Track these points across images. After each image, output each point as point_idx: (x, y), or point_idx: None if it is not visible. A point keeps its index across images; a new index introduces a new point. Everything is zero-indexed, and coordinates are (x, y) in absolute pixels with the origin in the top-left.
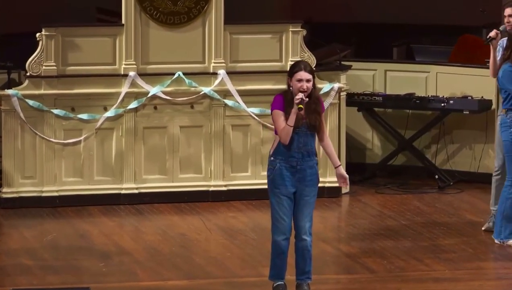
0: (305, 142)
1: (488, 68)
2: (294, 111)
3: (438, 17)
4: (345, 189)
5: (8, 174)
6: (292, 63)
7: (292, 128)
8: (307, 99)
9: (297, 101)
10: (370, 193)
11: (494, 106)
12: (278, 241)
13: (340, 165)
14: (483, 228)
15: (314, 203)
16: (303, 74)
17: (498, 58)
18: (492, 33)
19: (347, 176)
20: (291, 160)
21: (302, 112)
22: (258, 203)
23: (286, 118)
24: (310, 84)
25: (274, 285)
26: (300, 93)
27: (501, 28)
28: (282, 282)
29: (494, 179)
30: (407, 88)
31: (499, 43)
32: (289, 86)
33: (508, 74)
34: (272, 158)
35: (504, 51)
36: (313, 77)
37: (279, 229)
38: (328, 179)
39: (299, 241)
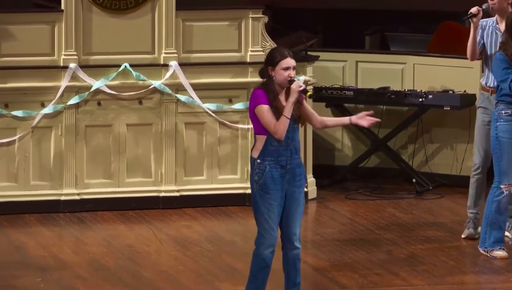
0: (292, 137)
1: None
2: (292, 100)
3: (415, 2)
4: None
5: None
6: (269, 51)
7: (289, 120)
8: (304, 85)
9: (301, 88)
10: (340, 198)
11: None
12: (265, 255)
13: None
14: (463, 236)
15: (303, 206)
16: (290, 61)
17: (478, 39)
18: (474, 9)
19: (366, 113)
20: (281, 159)
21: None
22: (214, 211)
23: (273, 113)
24: (295, 72)
25: None
26: (297, 81)
27: (484, 6)
28: None
29: (474, 178)
30: (381, 82)
31: (479, 24)
32: (269, 76)
33: (496, 63)
34: (259, 160)
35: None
36: None
37: (267, 240)
38: None
39: (291, 249)
